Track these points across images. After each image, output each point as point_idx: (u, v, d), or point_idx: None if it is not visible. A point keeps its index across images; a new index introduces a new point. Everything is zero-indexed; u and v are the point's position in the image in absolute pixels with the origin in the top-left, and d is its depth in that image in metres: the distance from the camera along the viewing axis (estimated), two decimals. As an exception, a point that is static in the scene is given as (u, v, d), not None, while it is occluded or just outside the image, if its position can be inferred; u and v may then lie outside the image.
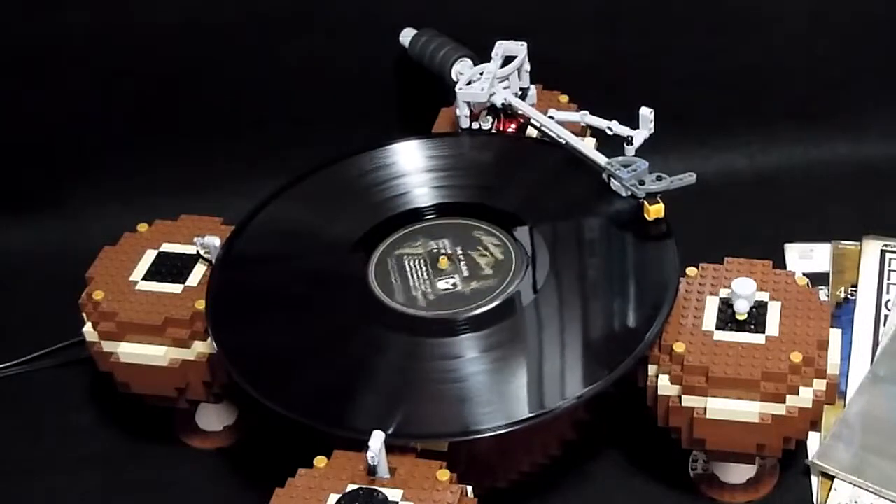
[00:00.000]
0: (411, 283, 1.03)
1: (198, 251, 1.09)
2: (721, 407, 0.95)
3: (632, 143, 1.09)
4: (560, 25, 1.33)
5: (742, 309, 0.98)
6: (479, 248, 1.06)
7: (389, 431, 0.90)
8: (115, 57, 1.33)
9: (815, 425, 0.99)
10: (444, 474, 0.90)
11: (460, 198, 1.10)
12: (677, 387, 0.97)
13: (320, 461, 0.91)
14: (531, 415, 0.92)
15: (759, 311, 0.99)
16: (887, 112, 1.38)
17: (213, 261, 1.07)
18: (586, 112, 1.17)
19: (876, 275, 1.22)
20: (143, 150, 1.39)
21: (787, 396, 0.95)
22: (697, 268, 1.04)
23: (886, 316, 1.18)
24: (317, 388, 0.96)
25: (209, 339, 1.03)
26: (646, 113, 1.10)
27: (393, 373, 0.96)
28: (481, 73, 1.18)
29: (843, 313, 1.19)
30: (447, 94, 1.21)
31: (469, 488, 0.91)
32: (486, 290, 1.02)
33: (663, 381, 0.98)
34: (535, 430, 0.94)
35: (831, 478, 1.05)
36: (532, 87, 1.23)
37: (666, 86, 1.36)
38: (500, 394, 0.94)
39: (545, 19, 1.33)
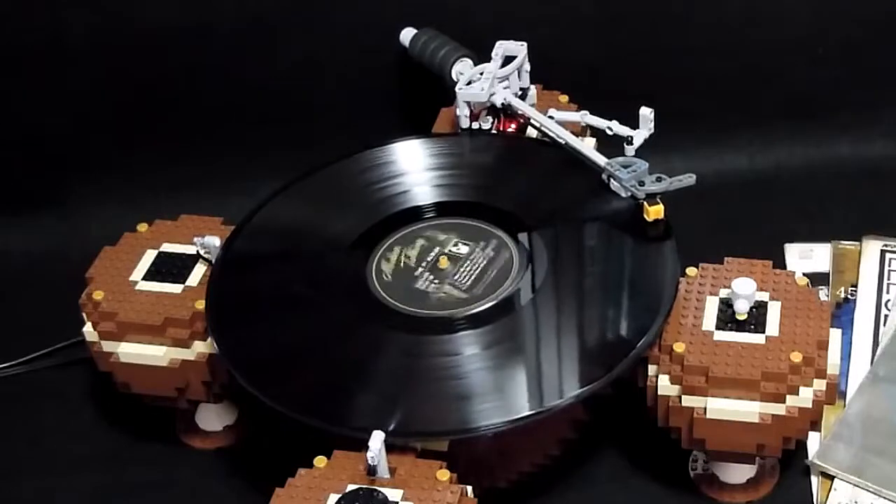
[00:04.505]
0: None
1: (198, 251, 1.09)
2: (721, 407, 0.95)
3: (632, 143, 1.09)
4: (560, 25, 1.33)
5: (742, 309, 0.98)
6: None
7: (389, 429, 0.90)
8: (115, 57, 1.33)
9: (815, 425, 0.99)
10: (444, 474, 0.90)
11: (460, 197, 1.10)
12: (677, 387, 0.97)
13: (320, 461, 0.92)
14: (531, 412, 0.92)
15: (759, 311, 0.99)
16: (887, 112, 1.38)
17: (213, 261, 1.07)
18: (586, 112, 1.17)
19: (876, 275, 1.22)
20: (143, 150, 1.39)
21: (787, 396, 0.95)
22: (697, 268, 1.04)
23: (886, 316, 1.18)
24: (317, 387, 0.96)
25: (209, 339, 1.03)
26: (646, 113, 1.10)
27: (393, 371, 0.96)
28: (481, 73, 1.18)
29: (843, 313, 1.19)
30: (447, 94, 1.21)
31: (469, 488, 0.91)
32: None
33: (663, 381, 0.98)
34: (536, 428, 0.94)
35: (831, 478, 1.05)
36: (532, 87, 1.23)
37: (666, 86, 1.36)
38: (501, 392, 0.94)
39: (545, 19, 1.33)
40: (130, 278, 1.07)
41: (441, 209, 1.10)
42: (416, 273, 1.04)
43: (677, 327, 0.98)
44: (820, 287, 1.21)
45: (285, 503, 0.89)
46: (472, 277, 1.03)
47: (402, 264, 1.05)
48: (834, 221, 1.29)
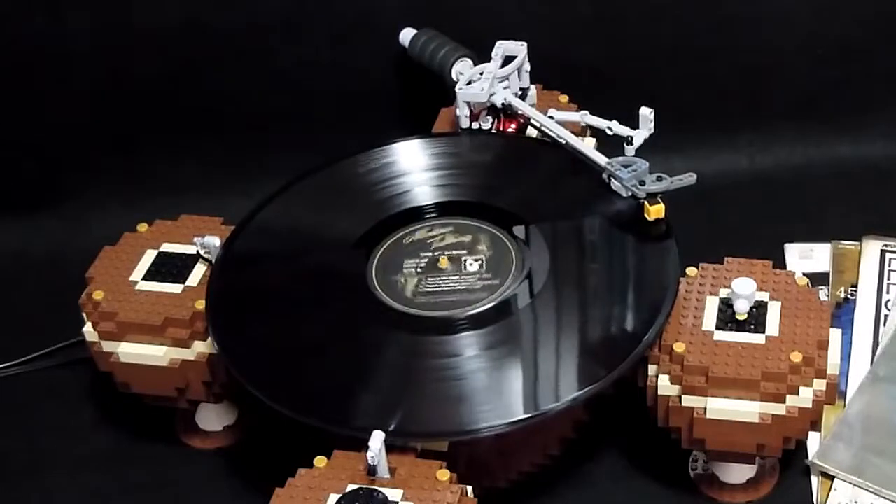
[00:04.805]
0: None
1: (198, 251, 1.09)
2: (721, 407, 0.95)
3: (632, 143, 1.09)
4: (560, 25, 1.33)
5: (742, 309, 0.98)
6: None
7: (389, 430, 0.90)
8: (115, 57, 1.33)
9: (815, 425, 0.99)
10: (444, 474, 0.90)
11: (460, 197, 1.10)
12: (677, 387, 0.97)
13: (320, 461, 0.91)
14: (531, 414, 0.92)
15: (759, 311, 0.99)
16: (887, 112, 1.38)
17: (213, 261, 1.07)
18: (586, 112, 1.17)
19: (876, 275, 1.22)
20: (143, 150, 1.39)
21: (787, 396, 0.95)
22: (697, 268, 1.04)
23: (886, 316, 1.18)
24: (317, 388, 0.96)
25: (209, 339, 1.03)
26: (646, 113, 1.10)
27: (393, 372, 0.96)
28: (481, 73, 1.18)
29: (843, 313, 1.19)
30: (447, 94, 1.21)
31: (469, 488, 0.91)
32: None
33: (663, 381, 0.98)
34: (536, 429, 0.94)
35: (831, 478, 1.05)
36: (532, 87, 1.23)
37: (666, 86, 1.36)
38: (501, 393, 0.94)
39: (545, 19, 1.33)
40: (130, 278, 1.07)
41: (441, 209, 1.10)
42: (422, 254, 1.05)
43: (677, 327, 0.98)
44: (820, 287, 1.21)
45: (285, 503, 0.89)
46: (437, 290, 1.02)
47: (429, 241, 1.05)
48: (834, 221, 1.29)
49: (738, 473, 1.05)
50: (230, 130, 1.38)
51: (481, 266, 1.03)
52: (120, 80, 1.34)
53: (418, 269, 1.04)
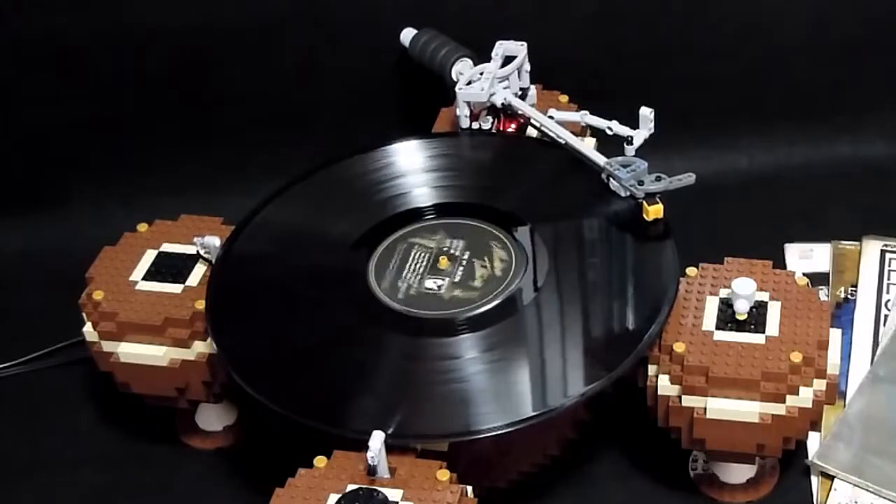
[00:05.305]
0: (403, 274, 1.02)
1: (198, 251, 1.09)
2: (721, 407, 0.95)
3: (632, 143, 1.09)
4: (560, 25, 1.34)
5: (742, 309, 0.98)
6: (485, 258, 1.05)
7: (389, 431, 0.90)
8: (116, 57, 1.33)
9: (815, 425, 0.99)
10: (444, 474, 0.90)
11: (460, 198, 1.10)
12: (677, 387, 0.97)
13: (320, 461, 0.91)
14: (531, 415, 0.92)
15: (759, 311, 0.99)
16: (887, 112, 1.38)
17: (213, 261, 1.07)
18: (586, 112, 1.17)
19: (876, 275, 1.22)
20: (143, 150, 1.39)
21: (787, 396, 0.95)
22: (697, 268, 1.04)
23: (886, 316, 1.18)
24: (317, 388, 0.96)
25: (209, 339, 1.03)
26: (646, 113, 1.10)
27: (393, 373, 0.96)
28: (481, 73, 1.18)
29: (843, 313, 1.19)
30: (447, 94, 1.21)
31: (469, 488, 0.91)
32: (463, 301, 1.01)
33: (663, 381, 0.98)
34: (535, 430, 0.94)
35: (831, 478, 1.05)
36: (532, 87, 1.23)
37: (666, 86, 1.36)
38: (500, 394, 0.94)
39: (545, 19, 1.33)
40: (130, 278, 1.07)
41: (441, 210, 1.10)
42: (442, 247, 1.05)
43: (677, 327, 0.98)
44: (820, 287, 1.21)
45: (285, 503, 0.89)
46: (400, 268, 1.03)
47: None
48: (834, 221, 1.29)
49: (738, 473, 1.05)
50: (230, 130, 1.38)
51: (440, 286, 1.03)
52: (120, 80, 1.34)
53: (432, 248, 1.04)
